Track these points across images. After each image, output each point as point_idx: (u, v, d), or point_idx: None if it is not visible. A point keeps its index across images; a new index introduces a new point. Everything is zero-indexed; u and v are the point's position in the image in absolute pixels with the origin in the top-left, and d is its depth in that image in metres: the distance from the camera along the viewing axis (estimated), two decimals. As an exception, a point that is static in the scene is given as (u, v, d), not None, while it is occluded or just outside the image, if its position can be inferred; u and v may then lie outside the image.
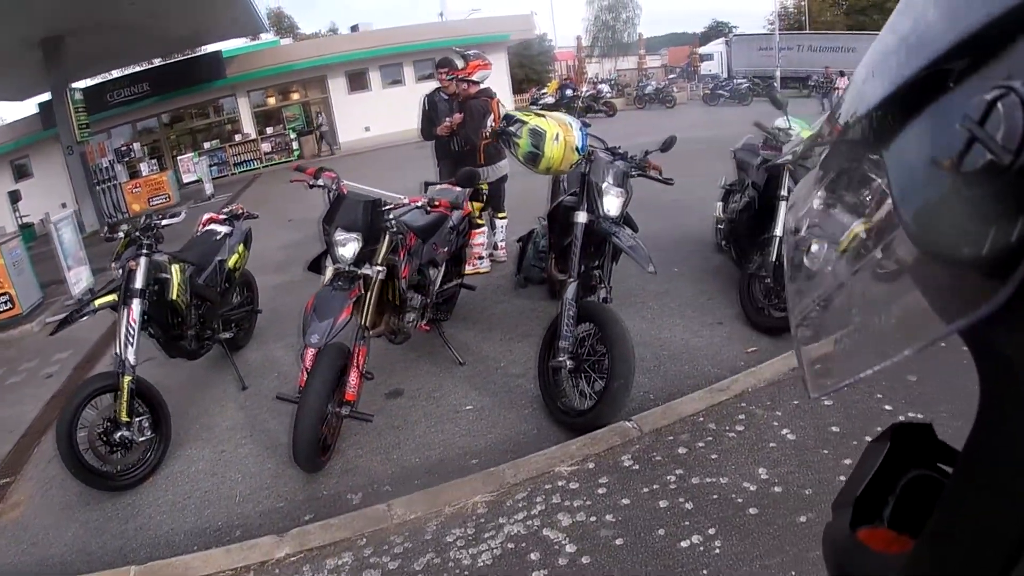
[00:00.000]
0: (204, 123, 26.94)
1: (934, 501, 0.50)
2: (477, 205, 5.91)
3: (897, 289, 0.53)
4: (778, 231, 4.49)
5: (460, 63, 6.18)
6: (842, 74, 25.82)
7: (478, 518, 3.03)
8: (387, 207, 3.74)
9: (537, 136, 3.57)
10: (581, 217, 3.73)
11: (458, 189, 4.46)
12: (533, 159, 3.62)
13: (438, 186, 4.95)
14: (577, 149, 3.63)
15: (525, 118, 3.67)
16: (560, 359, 3.53)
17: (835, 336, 0.65)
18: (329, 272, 3.77)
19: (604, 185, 3.76)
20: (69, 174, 18.43)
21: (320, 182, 4.19)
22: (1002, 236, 0.37)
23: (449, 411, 4.08)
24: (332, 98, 26.87)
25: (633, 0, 44.86)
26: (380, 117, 25.62)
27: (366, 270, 3.61)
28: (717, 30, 55.43)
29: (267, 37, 29.78)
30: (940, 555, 0.49)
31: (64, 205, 21.50)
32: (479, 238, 6.17)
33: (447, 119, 6.12)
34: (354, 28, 31.22)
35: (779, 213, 4.52)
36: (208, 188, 19.09)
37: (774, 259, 4.47)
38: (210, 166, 21.17)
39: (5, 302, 8.54)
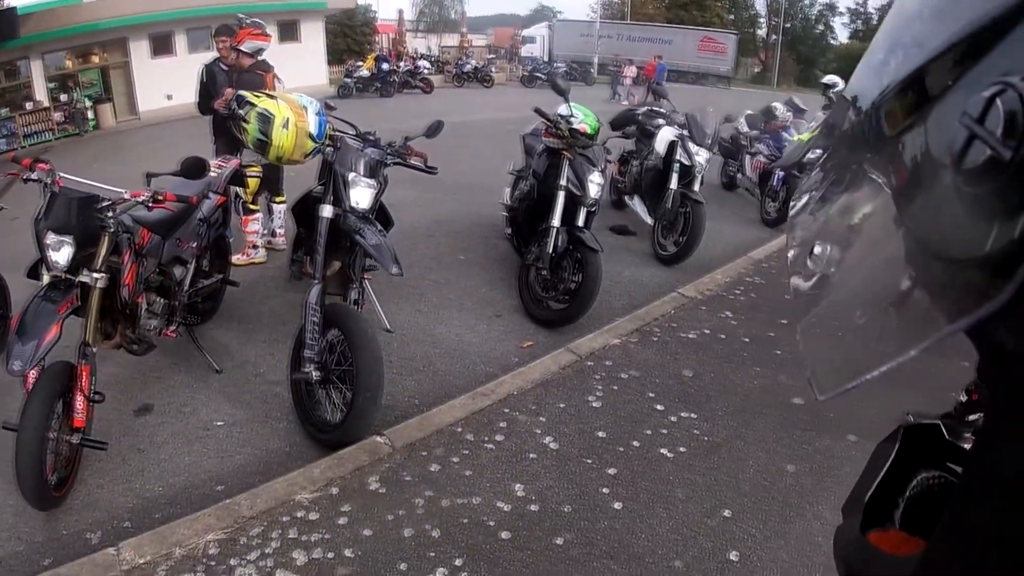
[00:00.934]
0: (-8, 87, 23.74)
1: (944, 501, 0.49)
2: (253, 185, 5.39)
3: (900, 289, 0.52)
4: (555, 221, 4.39)
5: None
6: (631, 62, 27.43)
7: (208, 560, 2.68)
8: (106, 203, 3.22)
9: (265, 121, 3.19)
10: (326, 212, 3.39)
11: (196, 181, 3.94)
12: (261, 147, 3.25)
13: (166, 176, 4.40)
14: (312, 136, 3.28)
15: (254, 100, 3.26)
16: (306, 370, 3.22)
17: (841, 337, 0.64)
18: (45, 280, 3.21)
19: (352, 176, 3.42)
20: None
21: (34, 175, 3.56)
22: (1004, 233, 0.37)
23: (199, 428, 3.66)
24: (133, 62, 24.69)
25: (463, -22, 45.08)
26: (184, 85, 23.76)
27: (81, 278, 3.12)
28: (542, 14, 57.16)
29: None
30: (952, 556, 0.48)
31: None
32: (253, 225, 5.64)
33: (225, 91, 5.54)
34: (158, -16, 28.86)
35: (557, 203, 4.42)
36: (-9, 164, 16.63)
37: (551, 250, 4.37)
38: (-4, 138, 18.45)
39: None
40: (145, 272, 3.50)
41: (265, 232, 5.97)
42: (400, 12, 41.19)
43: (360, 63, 25.95)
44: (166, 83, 24.47)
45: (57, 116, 23.09)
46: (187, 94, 21.05)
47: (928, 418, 0.74)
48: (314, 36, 26.86)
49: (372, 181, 3.49)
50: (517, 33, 44.33)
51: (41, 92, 23.59)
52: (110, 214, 3.20)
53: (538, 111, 4.86)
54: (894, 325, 0.54)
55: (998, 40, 0.41)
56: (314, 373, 3.23)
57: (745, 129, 8.54)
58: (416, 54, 33.90)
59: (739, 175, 8.70)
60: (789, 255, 0.86)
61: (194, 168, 3.46)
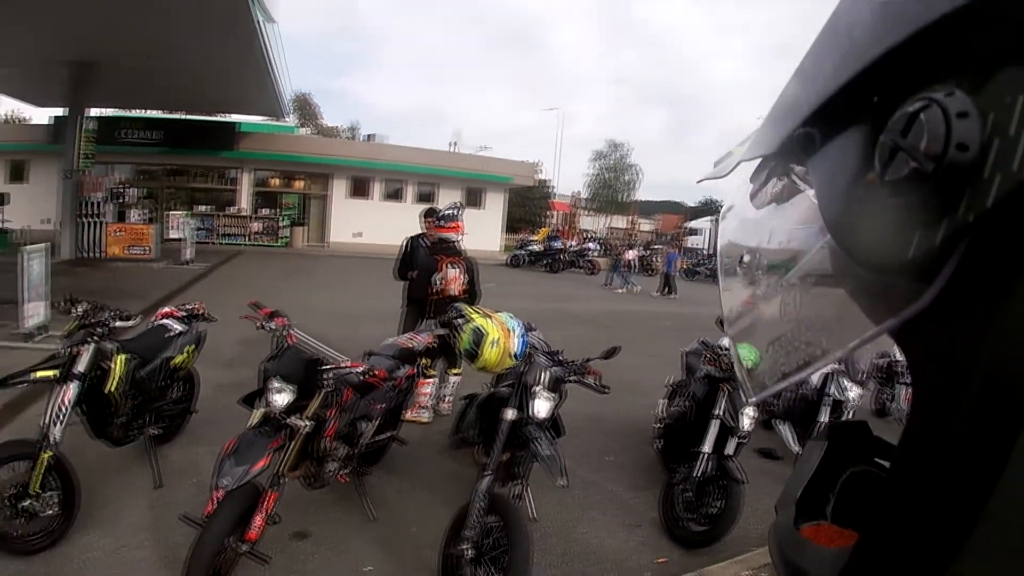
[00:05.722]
0: (203, 185, 27.46)
1: (873, 495, 0.51)
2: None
3: (827, 294, 0.55)
4: (706, 447, 4.59)
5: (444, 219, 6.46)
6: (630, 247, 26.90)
7: None
8: (326, 367, 3.82)
9: (478, 336, 3.76)
10: (509, 414, 3.82)
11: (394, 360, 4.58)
12: (471, 356, 3.81)
13: (388, 340, 5.05)
14: (514, 355, 3.81)
15: (472, 315, 3.87)
16: (463, 547, 3.50)
17: (769, 341, 0.67)
18: (258, 415, 3.79)
19: (537, 388, 3.88)
20: (59, 197, 18.66)
21: (271, 325, 4.28)
22: (926, 240, 0.40)
23: (348, 569, 3.98)
24: (332, 197, 27.56)
25: (636, 164, 47.26)
26: (372, 226, 26.25)
27: (294, 421, 3.64)
28: (708, 207, 57.98)
29: (287, 121, 30.65)
30: (882, 546, 0.48)
31: (48, 221, 21.70)
32: (426, 388, 6.22)
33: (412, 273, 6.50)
34: (369, 137, 32.46)
35: (710, 430, 4.64)
36: (188, 252, 19.07)
37: (698, 474, 4.55)
38: (197, 229, 21.27)
39: None
40: (341, 424, 4.01)
41: (435, 396, 6.53)
42: (574, 194, 43.53)
43: (533, 237, 27.45)
44: (357, 221, 26.93)
45: (255, 226, 26.04)
46: (373, 235, 23.17)
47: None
48: (495, 205, 28.82)
49: (553, 395, 3.92)
50: (681, 225, 45.16)
51: (245, 201, 26.79)
52: (329, 376, 3.79)
53: (703, 342, 5.23)
54: (822, 328, 0.58)
55: (922, 57, 0.42)
56: (469, 552, 3.49)
57: (900, 358, 8.38)
58: (586, 235, 35.24)
59: (892, 404, 8.44)
60: (718, 261, 0.87)
61: (409, 357, 4.09)
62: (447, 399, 6.56)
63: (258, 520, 3.42)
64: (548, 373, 3.96)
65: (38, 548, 3.83)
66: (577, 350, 4.28)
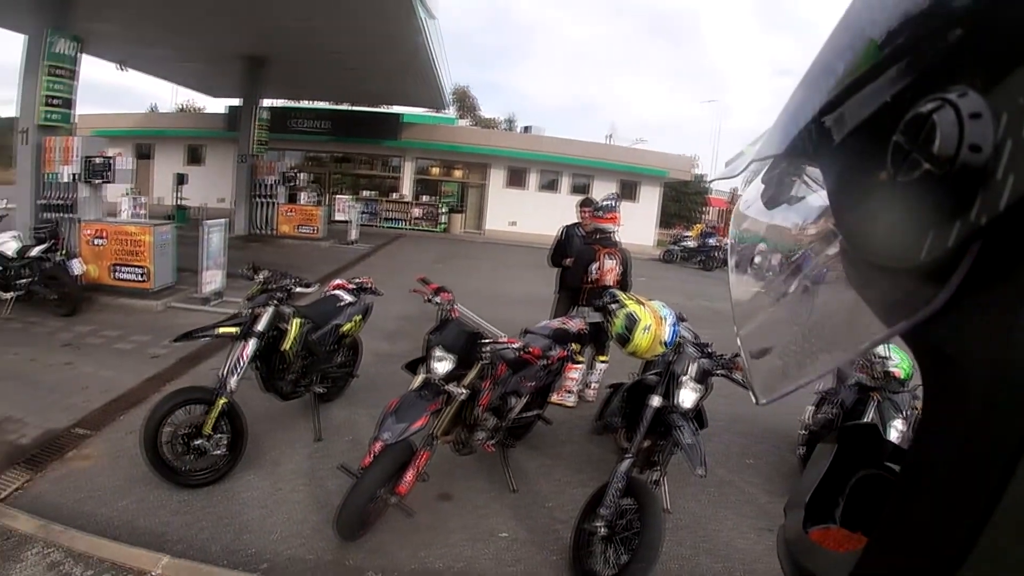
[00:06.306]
0: (367, 172, 29.13)
1: (883, 499, 0.49)
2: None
3: (839, 296, 0.54)
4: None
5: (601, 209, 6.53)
6: None
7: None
8: (485, 340, 4.09)
9: (631, 321, 3.86)
10: (655, 401, 3.93)
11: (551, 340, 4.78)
12: (622, 341, 3.90)
13: (542, 323, 5.27)
14: (665, 343, 3.88)
15: (626, 301, 3.98)
16: (596, 524, 3.66)
17: (781, 342, 0.66)
18: (419, 379, 4.13)
19: (684, 378, 3.96)
20: (234, 178, 20.55)
21: (437, 300, 4.63)
22: (939, 242, 0.39)
23: (485, 532, 4.24)
24: (490, 185, 28.30)
25: (800, 156, 44.89)
26: (527, 215, 26.70)
27: (451, 388, 3.94)
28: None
29: (448, 113, 31.75)
30: (892, 552, 0.49)
31: (223, 200, 24.09)
32: (574, 373, 6.39)
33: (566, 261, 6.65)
34: (526, 129, 32.92)
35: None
36: (353, 234, 20.43)
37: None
38: (361, 213, 22.50)
39: (142, 275, 9.69)
40: (494, 396, 4.27)
41: (581, 382, 6.71)
42: (734, 190, 42.04)
43: (688, 233, 26.78)
44: (512, 210, 27.30)
45: (415, 211, 27.14)
46: (528, 224, 23.47)
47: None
48: (650, 199, 28.35)
49: (700, 386, 3.99)
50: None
51: (407, 188, 27.99)
52: (487, 349, 4.06)
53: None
54: (833, 330, 0.57)
55: (936, 57, 0.42)
56: (602, 529, 3.65)
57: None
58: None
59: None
60: (730, 262, 0.85)
61: (562, 339, 4.29)
62: (593, 386, 6.71)
63: (409, 475, 3.76)
64: (697, 364, 4.02)
65: (203, 483, 4.40)
66: (727, 349, 4.29)
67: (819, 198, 0.60)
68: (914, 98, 0.42)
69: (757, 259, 0.80)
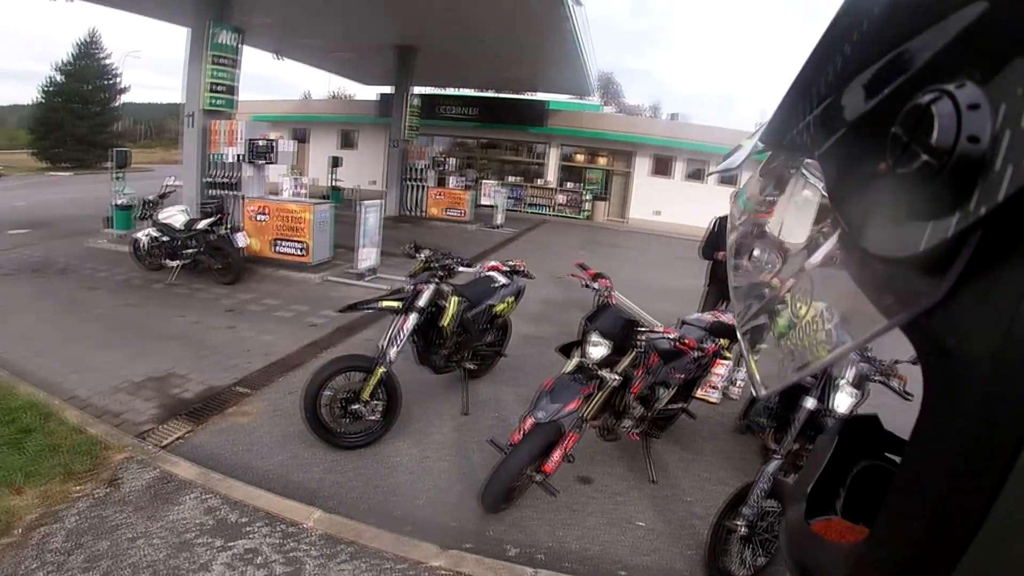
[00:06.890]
0: (513, 158, 29.37)
1: (885, 490, 0.49)
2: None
3: (838, 288, 0.54)
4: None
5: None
6: None
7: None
8: (642, 329, 4.10)
9: (793, 322, 3.75)
10: (809, 403, 3.80)
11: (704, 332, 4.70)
12: (781, 339, 3.80)
13: (694, 315, 5.22)
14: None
15: (787, 298, 3.86)
16: (737, 523, 3.61)
17: (780, 335, 0.66)
18: (573, 363, 4.19)
19: (841, 382, 3.82)
20: (386, 161, 21.62)
21: (595, 286, 4.68)
22: (938, 233, 0.38)
23: (623, 519, 4.28)
24: (635, 174, 27.89)
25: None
26: (672, 205, 26.11)
27: (604, 373, 3.99)
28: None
29: (592, 100, 31.55)
30: (893, 542, 0.49)
31: (374, 182, 25.24)
32: (720, 369, 6.27)
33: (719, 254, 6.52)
34: (673, 116, 32.09)
35: None
36: (499, 218, 20.80)
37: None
38: (507, 198, 22.86)
39: (302, 249, 10.42)
40: (644, 385, 4.28)
41: (727, 379, 6.56)
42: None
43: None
44: (658, 199, 26.63)
45: (560, 198, 27.10)
46: (672, 214, 22.87)
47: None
48: (803, 193, 26.90)
49: (856, 391, 3.83)
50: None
51: (552, 174, 27.96)
52: (643, 337, 4.07)
53: None
54: (834, 322, 0.56)
55: (934, 49, 0.42)
56: (743, 528, 3.59)
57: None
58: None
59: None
60: (729, 258, 0.82)
61: (720, 332, 4.23)
62: (739, 383, 6.56)
63: (557, 455, 3.84)
64: (854, 368, 3.87)
65: (356, 445, 4.72)
66: (884, 355, 4.08)
67: (818, 190, 0.60)
68: (912, 90, 0.42)
69: (756, 253, 0.78)
